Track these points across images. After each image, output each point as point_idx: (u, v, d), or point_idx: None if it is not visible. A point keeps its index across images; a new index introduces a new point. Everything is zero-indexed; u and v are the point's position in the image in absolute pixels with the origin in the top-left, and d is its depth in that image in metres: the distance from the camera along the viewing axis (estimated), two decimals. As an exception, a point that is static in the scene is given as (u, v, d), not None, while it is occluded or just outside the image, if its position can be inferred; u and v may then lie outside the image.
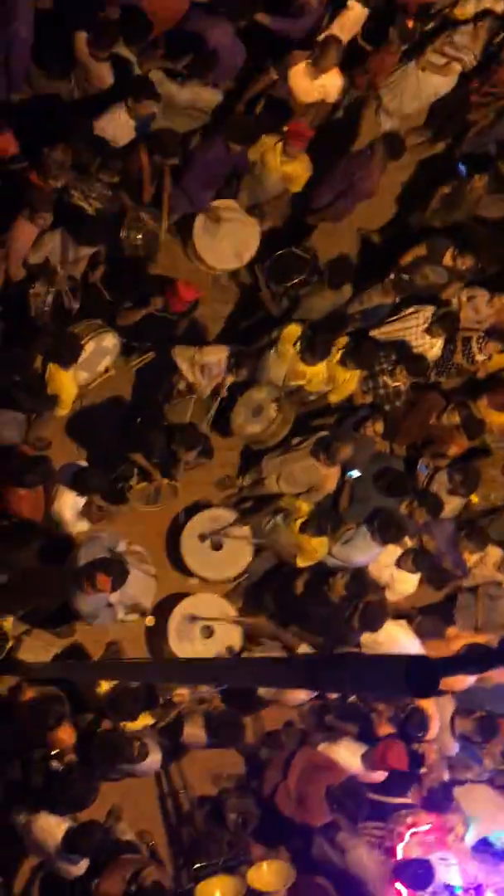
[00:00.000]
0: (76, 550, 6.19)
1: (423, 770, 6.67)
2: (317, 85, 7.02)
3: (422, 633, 6.81)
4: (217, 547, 6.95)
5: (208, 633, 6.85)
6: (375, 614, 6.46)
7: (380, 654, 5.89)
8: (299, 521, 6.62)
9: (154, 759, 6.17)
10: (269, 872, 6.38)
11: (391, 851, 6.56)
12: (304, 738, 6.99)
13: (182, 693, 6.47)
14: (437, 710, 6.79)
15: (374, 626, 6.47)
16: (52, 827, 5.66)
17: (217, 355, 6.79)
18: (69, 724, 6.04)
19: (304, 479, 6.85)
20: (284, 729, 7.14)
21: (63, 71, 6.61)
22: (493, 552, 7.16)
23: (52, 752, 5.85)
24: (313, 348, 6.70)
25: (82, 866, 5.75)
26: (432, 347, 7.14)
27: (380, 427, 6.85)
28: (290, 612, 6.77)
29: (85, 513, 6.26)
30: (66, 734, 5.99)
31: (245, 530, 6.90)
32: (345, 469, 6.98)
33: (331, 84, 7.05)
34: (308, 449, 6.78)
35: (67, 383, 6.34)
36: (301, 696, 6.81)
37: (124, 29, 6.45)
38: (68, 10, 6.54)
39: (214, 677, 5.05)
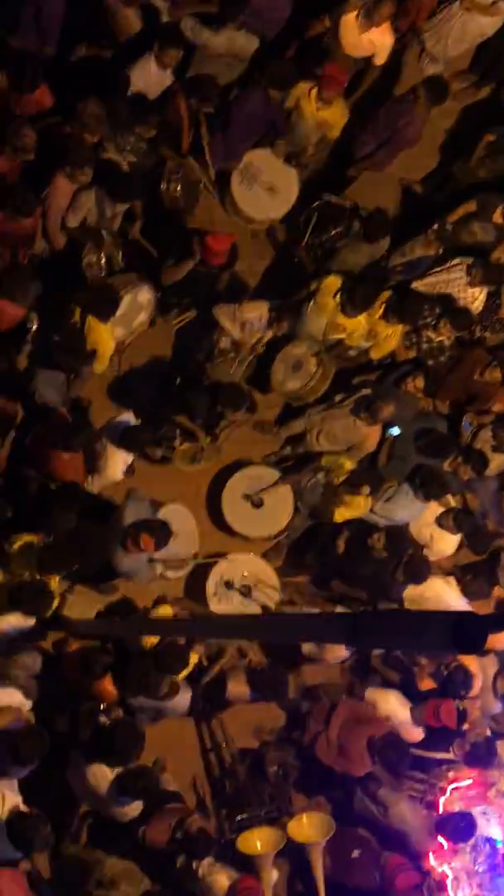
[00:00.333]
0: (120, 509, 6.24)
1: (465, 726, 6.69)
2: (365, 39, 6.82)
3: (468, 594, 6.78)
4: (258, 505, 6.95)
5: (246, 591, 6.88)
6: (420, 566, 6.45)
7: (425, 611, 5.88)
8: (342, 479, 6.58)
9: (184, 697, 6.23)
10: (309, 825, 6.46)
11: (432, 806, 6.62)
12: (348, 690, 7.03)
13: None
14: (480, 669, 6.79)
15: (419, 578, 6.46)
16: (104, 772, 5.80)
17: (258, 311, 6.71)
18: (113, 675, 6.13)
19: (344, 437, 6.80)
20: (323, 685, 7.19)
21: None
22: None
23: (101, 707, 5.94)
24: (354, 300, 6.58)
25: (136, 808, 5.89)
26: (475, 300, 7.00)
27: (420, 383, 6.76)
28: (333, 569, 6.77)
29: (129, 472, 6.28)
30: (111, 685, 6.09)
31: (286, 488, 6.88)
32: (386, 426, 6.93)
33: (380, 42, 6.85)
34: (349, 407, 6.71)
35: (106, 337, 6.32)
36: (342, 652, 6.84)
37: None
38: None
39: (257, 633, 5.07)
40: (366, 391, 6.76)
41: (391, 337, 6.77)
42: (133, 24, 6.47)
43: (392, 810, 6.53)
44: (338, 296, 6.65)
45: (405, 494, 6.63)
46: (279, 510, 6.95)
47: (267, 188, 7.06)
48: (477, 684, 6.77)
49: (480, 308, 7.04)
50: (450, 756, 6.77)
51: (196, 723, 6.82)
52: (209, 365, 6.73)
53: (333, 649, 6.71)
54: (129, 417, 6.41)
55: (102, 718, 5.95)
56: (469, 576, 6.97)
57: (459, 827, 6.50)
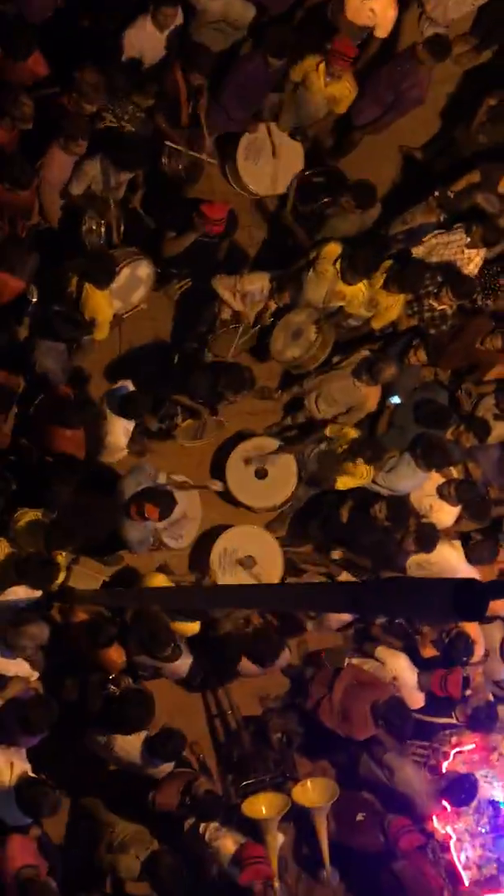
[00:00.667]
0: (123, 480, 6.27)
1: (468, 692, 6.76)
2: (366, 7, 6.71)
3: (472, 560, 6.81)
4: (262, 475, 6.97)
5: (251, 563, 6.92)
6: (431, 535, 6.48)
7: (427, 578, 5.92)
8: (344, 448, 6.59)
9: (185, 662, 6.29)
10: (313, 789, 6.54)
11: (436, 770, 6.71)
12: (357, 648, 7.08)
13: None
14: (482, 635, 6.85)
15: (430, 546, 6.48)
16: (131, 742, 5.92)
17: (259, 283, 6.69)
18: (119, 644, 6.20)
19: (343, 399, 6.80)
20: (326, 650, 7.25)
21: None
22: None
23: (110, 677, 6.01)
24: (354, 267, 6.53)
25: (167, 768, 6.05)
26: (471, 261, 6.93)
27: (423, 355, 6.73)
28: (336, 538, 6.80)
29: (131, 446, 6.29)
30: (116, 653, 6.16)
31: (289, 458, 6.89)
32: (387, 393, 6.93)
33: (382, 14, 6.73)
34: (349, 369, 6.69)
35: (103, 304, 6.29)
36: (344, 617, 6.88)
37: None
38: None
39: (260, 602, 5.12)
40: (364, 352, 6.73)
41: (393, 307, 6.74)
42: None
43: (398, 774, 6.62)
44: (338, 263, 6.62)
45: (407, 464, 6.63)
46: (283, 480, 6.97)
47: (272, 162, 6.98)
48: (479, 650, 6.83)
49: (476, 271, 6.97)
50: (452, 721, 6.86)
51: (201, 691, 6.90)
52: (211, 336, 6.71)
53: (335, 615, 6.75)
54: (127, 385, 6.40)
55: (112, 688, 6.02)
56: (473, 541, 6.96)
57: (462, 790, 6.60)
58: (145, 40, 6.40)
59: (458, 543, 6.87)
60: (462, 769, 6.69)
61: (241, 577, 6.85)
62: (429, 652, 6.86)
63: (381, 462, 6.57)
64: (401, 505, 6.60)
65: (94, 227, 6.50)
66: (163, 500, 6.08)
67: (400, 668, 6.75)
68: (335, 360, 6.83)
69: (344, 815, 6.60)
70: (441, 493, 6.77)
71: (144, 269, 6.60)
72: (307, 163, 7.12)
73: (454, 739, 6.78)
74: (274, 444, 6.98)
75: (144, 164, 6.41)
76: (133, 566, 6.77)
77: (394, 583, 4.51)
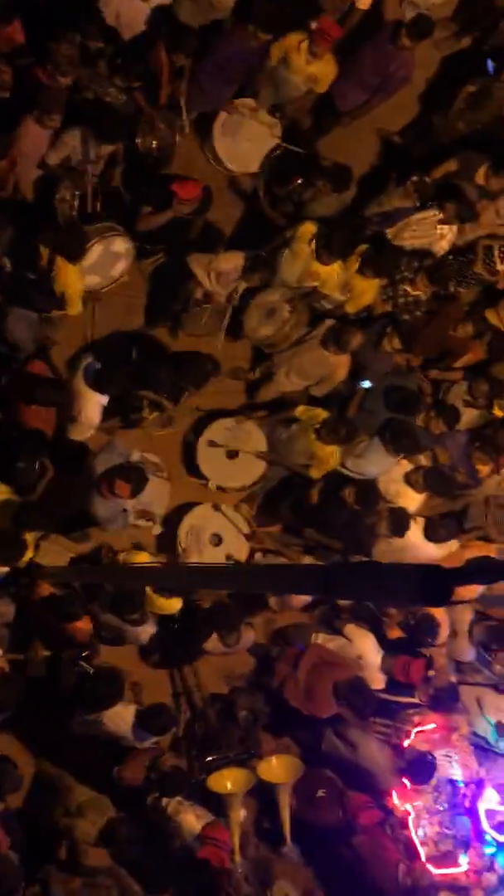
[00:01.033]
0: (95, 456, 6.25)
1: (431, 673, 6.88)
2: None
3: (431, 538, 6.89)
4: (232, 455, 6.99)
5: (217, 541, 6.94)
6: (403, 519, 6.55)
7: (395, 563, 6.00)
8: (315, 429, 6.62)
9: (147, 630, 6.35)
10: (278, 766, 6.63)
11: (398, 748, 6.84)
12: (324, 623, 7.14)
13: None
14: (448, 617, 6.96)
15: (402, 530, 6.56)
16: (121, 714, 6.02)
17: (233, 262, 6.66)
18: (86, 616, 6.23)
19: (314, 370, 6.82)
20: (293, 627, 7.32)
21: None
22: None
23: (81, 654, 6.05)
24: (329, 246, 6.53)
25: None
26: (443, 237, 6.93)
27: (396, 342, 6.77)
28: (307, 520, 6.85)
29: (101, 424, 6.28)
30: (83, 623, 6.20)
31: (260, 438, 6.90)
32: (358, 377, 6.96)
33: None
34: (317, 340, 6.71)
35: (73, 279, 6.22)
36: (306, 598, 6.94)
37: None
38: None
39: (228, 582, 5.15)
40: (329, 322, 6.74)
41: (367, 291, 6.76)
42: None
43: (361, 750, 6.73)
44: (313, 242, 6.62)
45: (376, 449, 6.69)
46: (253, 461, 6.99)
47: (249, 139, 6.95)
48: (443, 632, 6.95)
49: (447, 247, 6.97)
50: (414, 700, 6.99)
51: (168, 668, 6.94)
52: (184, 315, 6.69)
53: (298, 595, 6.81)
54: (92, 359, 6.37)
55: (84, 665, 6.06)
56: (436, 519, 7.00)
57: (422, 768, 6.74)
58: (129, 8, 6.28)
59: (421, 520, 6.94)
60: (423, 748, 6.82)
61: (209, 555, 6.88)
62: (395, 633, 6.96)
63: (351, 446, 6.61)
64: (369, 489, 6.66)
65: (67, 197, 6.41)
66: (134, 478, 6.07)
67: (366, 649, 6.84)
68: (302, 332, 6.85)
69: (305, 791, 6.70)
70: (409, 480, 6.83)
71: (121, 244, 6.54)
72: (285, 142, 7.07)
73: (416, 719, 6.91)
74: (247, 423, 6.98)
75: (126, 137, 6.33)
76: (106, 543, 6.76)
77: (362, 567, 4.58)
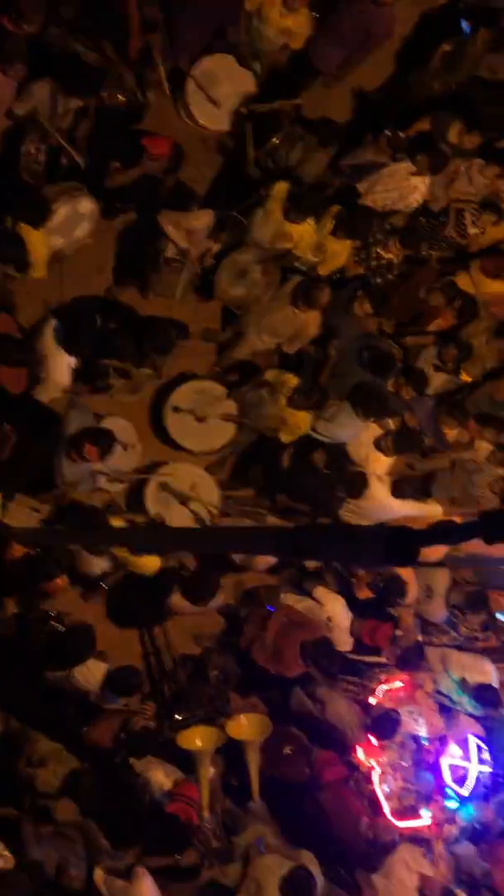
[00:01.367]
0: (64, 417, 6.20)
1: (398, 632, 6.99)
2: None
3: (397, 494, 6.95)
4: (201, 418, 6.96)
5: (184, 499, 6.94)
6: (357, 483, 6.58)
7: (361, 525, 6.06)
8: (285, 394, 6.62)
9: (100, 563, 6.40)
10: (247, 724, 6.65)
11: (365, 705, 6.96)
12: (294, 585, 7.21)
13: None
14: (417, 577, 7.07)
15: (357, 493, 6.61)
16: (91, 671, 6.11)
17: (204, 220, 6.59)
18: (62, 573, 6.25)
19: (285, 328, 6.80)
20: (263, 589, 7.39)
21: None
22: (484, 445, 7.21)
23: (51, 614, 6.06)
24: (299, 205, 6.47)
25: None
26: (416, 189, 6.90)
27: (367, 306, 6.76)
28: (277, 483, 6.88)
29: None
30: (60, 580, 6.24)
31: (230, 402, 6.88)
32: (329, 338, 6.95)
33: None
34: (286, 298, 6.67)
35: (38, 244, 6.12)
36: (270, 559, 6.99)
37: None
38: None
39: (197, 544, 5.16)
40: (297, 278, 6.70)
41: (340, 253, 6.74)
42: None
43: (329, 707, 6.84)
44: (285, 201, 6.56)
45: (346, 413, 6.71)
46: (223, 424, 6.97)
47: (223, 95, 6.83)
48: (412, 592, 7.06)
49: (420, 200, 6.93)
50: (381, 660, 7.11)
51: (138, 629, 6.98)
52: (154, 275, 6.61)
53: (262, 557, 6.86)
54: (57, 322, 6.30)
55: (56, 625, 6.09)
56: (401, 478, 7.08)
57: (384, 725, 6.88)
58: None
59: (386, 478, 7.00)
60: (389, 705, 6.96)
61: (176, 514, 6.89)
62: (364, 594, 7.05)
63: (322, 411, 6.63)
64: (340, 453, 6.70)
65: (32, 151, 6.27)
66: (103, 440, 6.04)
67: (336, 611, 6.93)
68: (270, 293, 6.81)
69: (272, 748, 6.79)
70: (378, 445, 6.87)
71: (86, 205, 6.41)
72: (260, 101, 6.96)
73: (383, 677, 7.03)
74: (216, 387, 6.96)
75: (95, 91, 6.20)
76: (71, 505, 6.73)
77: (329, 529, 4.63)
